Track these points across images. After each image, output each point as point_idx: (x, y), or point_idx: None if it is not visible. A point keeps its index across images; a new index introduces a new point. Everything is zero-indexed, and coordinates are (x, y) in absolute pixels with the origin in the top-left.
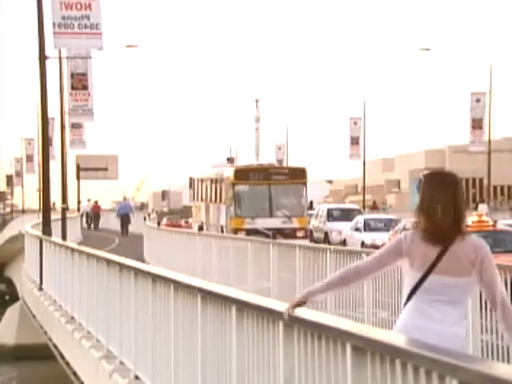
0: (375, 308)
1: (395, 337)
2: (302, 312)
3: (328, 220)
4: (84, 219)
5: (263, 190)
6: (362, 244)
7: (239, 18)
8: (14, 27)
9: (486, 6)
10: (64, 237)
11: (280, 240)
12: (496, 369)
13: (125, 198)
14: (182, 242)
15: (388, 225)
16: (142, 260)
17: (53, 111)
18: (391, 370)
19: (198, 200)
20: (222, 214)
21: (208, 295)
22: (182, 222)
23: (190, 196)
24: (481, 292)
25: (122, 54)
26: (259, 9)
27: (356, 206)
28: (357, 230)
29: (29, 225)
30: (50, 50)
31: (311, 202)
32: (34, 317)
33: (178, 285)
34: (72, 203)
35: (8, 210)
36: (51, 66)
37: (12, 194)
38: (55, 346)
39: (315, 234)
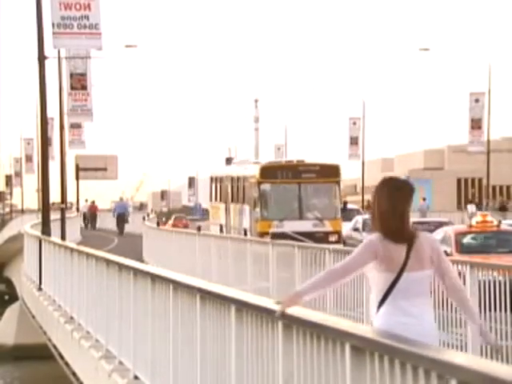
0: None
1: (395, 337)
2: (302, 312)
3: None
4: (81, 219)
5: (292, 190)
6: None
7: (239, 18)
8: (14, 27)
9: (485, 6)
10: (63, 237)
11: (310, 244)
12: (495, 369)
13: (121, 199)
14: (182, 242)
15: None
16: (141, 260)
17: (52, 111)
18: (390, 370)
19: (216, 200)
20: (246, 215)
21: (207, 295)
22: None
23: (190, 195)
24: (480, 293)
25: (121, 54)
26: (259, 9)
27: (355, 206)
28: (356, 230)
29: (28, 225)
30: (49, 50)
31: (345, 203)
32: (33, 317)
33: (178, 285)
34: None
35: (7, 210)
36: (50, 66)
37: (11, 194)
38: (54, 346)
39: None
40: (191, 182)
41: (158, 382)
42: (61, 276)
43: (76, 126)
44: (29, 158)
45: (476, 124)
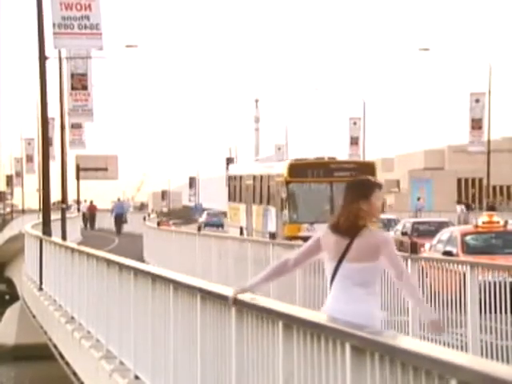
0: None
1: (395, 337)
2: (302, 312)
3: None
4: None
5: (324, 190)
6: None
7: (239, 19)
8: (14, 27)
9: (486, 6)
10: (64, 237)
11: None
12: (495, 369)
13: (119, 199)
14: (182, 242)
15: (387, 225)
16: (142, 260)
17: (53, 111)
18: (391, 371)
19: (235, 201)
20: (271, 218)
21: (208, 295)
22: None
23: (190, 195)
24: (480, 293)
25: (121, 54)
26: (259, 9)
27: (392, 216)
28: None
29: (29, 225)
30: (49, 51)
31: (382, 204)
32: (33, 317)
33: (178, 285)
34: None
35: (8, 210)
36: (51, 66)
37: (12, 194)
38: (55, 346)
39: None
40: (192, 182)
41: (159, 382)
42: (61, 276)
43: (76, 126)
44: (29, 158)
45: (476, 124)
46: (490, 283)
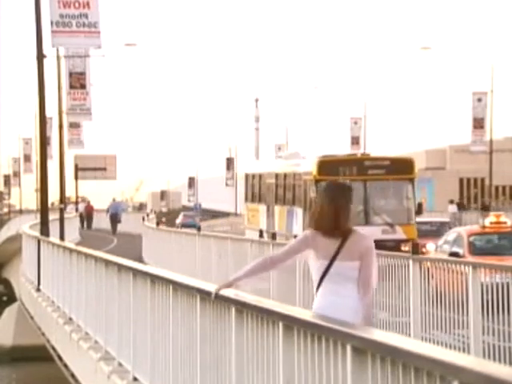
0: (375, 309)
1: (396, 337)
2: (302, 313)
3: None
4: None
5: (357, 189)
6: None
7: (239, 18)
8: (12, 26)
9: (488, 5)
10: (62, 237)
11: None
12: (497, 370)
13: (114, 199)
14: (181, 243)
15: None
16: (141, 260)
17: (51, 110)
18: (392, 372)
19: (253, 201)
20: (297, 219)
21: (207, 296)
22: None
23: (189, 195)
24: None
25: (120, 52)
26: (259, 8)
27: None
28: None
29: (27, 225)
30: (48, 49)
31: (420, 205)
32: (31, 318)
33: (177, 285)
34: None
35: (5, 210)
36: (49, 64)
37: (9, 194)
38: (53, 348)
39: None
40: (191, 182)
41: (158, 383)
42: (59, 277)
43: (75, 126)
44: (27, 158)
45: (478, 123)
46: (497, 284)
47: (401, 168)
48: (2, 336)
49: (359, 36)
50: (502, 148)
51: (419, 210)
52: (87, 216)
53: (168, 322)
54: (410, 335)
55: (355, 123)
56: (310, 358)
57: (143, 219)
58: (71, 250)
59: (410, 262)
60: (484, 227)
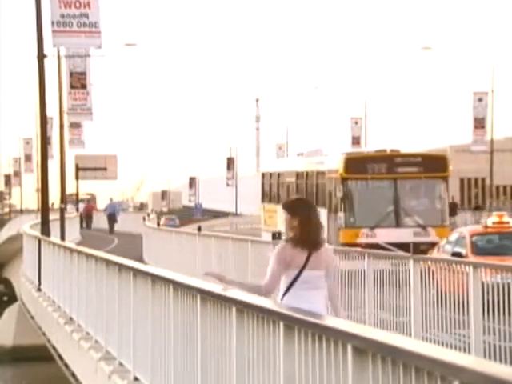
0: (376, 309)
1: (396, 337)
2: (303, 313)
3: None
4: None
5: (387, 188)
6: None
7: (239, 17)
8: (13, 25)
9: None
10: (63, 237)
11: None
12: (498, 370)
13: (111, 199)
14: (182, 243)
15: None
16: (141, 260)
17: (51, 110)
18: (393, 372)
19: (270, 201)
20: (321, 221)
21: (208, 296)
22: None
23: (190, 195)
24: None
25: (121, 52)
26: (260, 8)
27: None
28: None
29: (27, 225)
30: (48, 49)
31: (454, 205)
32: (32, 318)
33: (178, 285)
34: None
35: (6, 210)
36: (50, 64)
37: (10, 193)
38: (54, 347)
39: None
40: (192, 181)
41: (158, 383)
42: (60, 276)
43: (75, 126)
44: (28, 158)
45: (479, 123)
46: (499, 284)
47: (434, 165)
48: (3, 336)
49: (360, 36)
50: (502, 148)
51: (453, 211)
52: (86, 216)
53: (169, 322)
54: (410, 335)
55: (356, 123)
56: (311, 358)
57: (144, 219)
58: (72, 250)
59: (411, 261)
60: (486, 227)
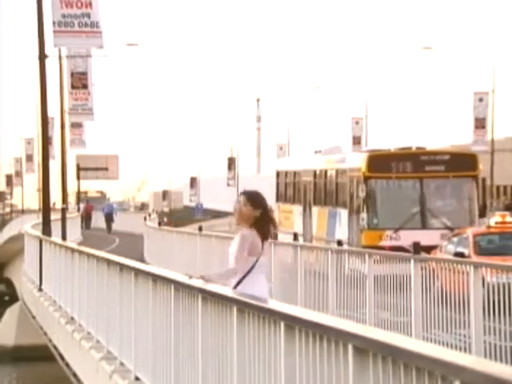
0: (377, 309)
1: (397, 337)
2: (304, 313)
3: None
4: None
5: (412, 188)
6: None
7: (240, 17)
8: (14, 25)
9: (489, 5)
10: (64, 237)
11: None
12: (499, 370)
13: (108, 199)
14: (183, 243)
15: None
16: (142, 260)
17: (52, 110)
18: (393, 371)
19: (286, 201)
20: (341, 222)
21: (209, 296)
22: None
23: (191, 195)
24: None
25: (122, 52)
26: (260, 8)
27: None
28: None
29: (28, 225)
30: (49, 49)
31: (484, 206)
32: (33, 317)
33: (179, 285)
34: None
35: (7, 210)
36: (51, 64)
37: (11, 193)
38: (55, 347)
39: None
40: (193, 182)
41: (159, 383)
42: (61, 276)
43: (77, 126)
44: (29, 158)
45: (480, 123)
46: (502, 284)
47: (463, 164)
48: (4, 336)
49: (360, 36)
50: (503, 148)
51: (482, 212)
52: (86, 216)
53: (170, 322)
54: (411, 335)
55: (357, 123)
56: (312, 358)
57: (145, 219)
58: (73, 250)
59: (412, 261)
60: (489, 227)
